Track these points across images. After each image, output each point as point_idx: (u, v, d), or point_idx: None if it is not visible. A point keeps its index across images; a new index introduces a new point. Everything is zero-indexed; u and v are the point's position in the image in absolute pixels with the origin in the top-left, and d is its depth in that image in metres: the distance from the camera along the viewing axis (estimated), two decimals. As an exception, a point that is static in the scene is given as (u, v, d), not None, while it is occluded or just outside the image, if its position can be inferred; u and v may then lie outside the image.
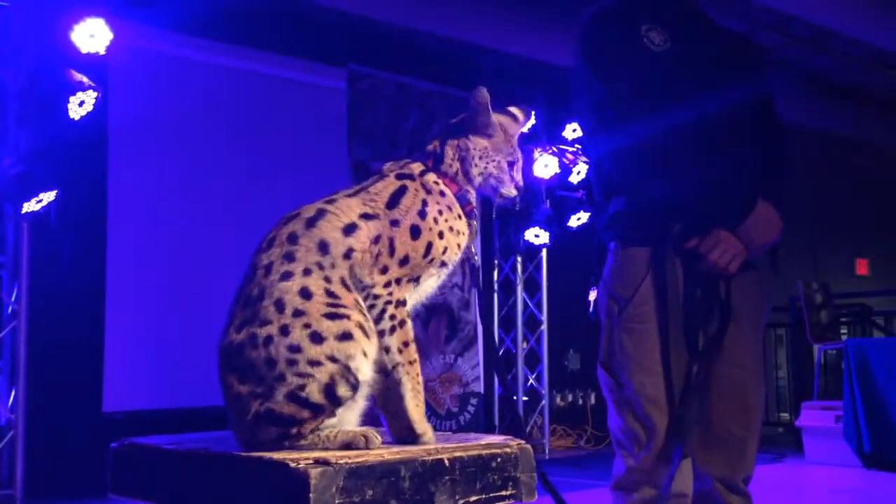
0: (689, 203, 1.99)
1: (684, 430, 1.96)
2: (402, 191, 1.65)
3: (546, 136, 6.64)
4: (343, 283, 1.55)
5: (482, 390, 6.45)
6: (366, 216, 1.61)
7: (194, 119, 5.82)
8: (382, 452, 1.45)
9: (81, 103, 4.41)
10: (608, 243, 2.15)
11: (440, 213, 1.65)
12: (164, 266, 5.61)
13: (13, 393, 4.55)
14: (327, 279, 1.54)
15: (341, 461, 1.36)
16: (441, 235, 1.64)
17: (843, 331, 7.82)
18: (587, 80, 2.08)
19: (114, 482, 1.73)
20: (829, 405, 6.21)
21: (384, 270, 1.59)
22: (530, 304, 7.07)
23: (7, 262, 4.69)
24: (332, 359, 1.48)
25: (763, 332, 2.19)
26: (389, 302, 1.59)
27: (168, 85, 5.70)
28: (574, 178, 6.83)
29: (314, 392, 1.47)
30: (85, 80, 4.41)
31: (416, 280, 1.63)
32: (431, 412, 5.78)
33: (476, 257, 1.79)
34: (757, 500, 2.10)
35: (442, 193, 1.68)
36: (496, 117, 1.76)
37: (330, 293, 1.53)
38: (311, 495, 1.31)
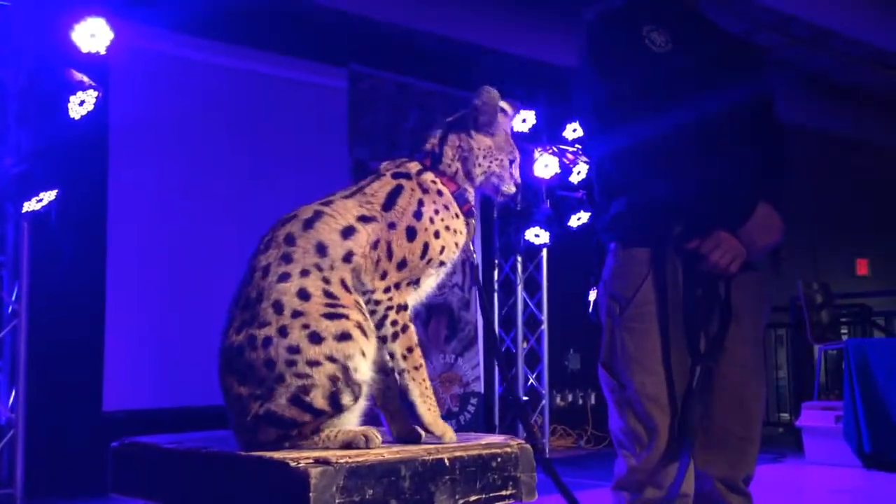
0: (690, 203, 1.99)
1: (689, 431, 1.97)
2: (398, 190, 1.65)
3: (546, 136, 6.63)
4: (343, 284, 1.55)
5: (482, 390, 6.46)
6: (363, 218, 1.61)
7: (195, 119, 5.82)
8: (383, 452, 1.45)
9: (82, 103, 4.41)
10: (608, 244, 2.15)
11: (436, 212, 1.65)
12: (164, 265, 5.61)
13: (13, 392, 4.56)
14: (326, 280, 1.54)
15: (341, 461, 1.36)
16: (437, 235, 1.64)
17: (843, 331, 7.82)
18: (590, 81, 2.09)
19: (114, 481, 1.73)
20: (830, 405, 6.21)
21: (384, 276, 1.59)
22: (530, 303, 7.07)
23: (7, 262, 4.69)
24: (331, 359, 1.48)
25: (763, 333, 2.19)
26: (391, 307, 1.59)
27: (169, 85, 5.70)
28: (574, 178, 6.82)
29: (318, 398, 1.47)
30: (85, 79, 4.41)
31: (416, 282, 1.63)
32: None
33: (475, 255, 1.79)
34: (757, 500, 2.10)
35: (439, 193, 1.68)
36: None
37: (328, 294, 1.53)
38: (311, 494, 1.32)
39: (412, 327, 1.62)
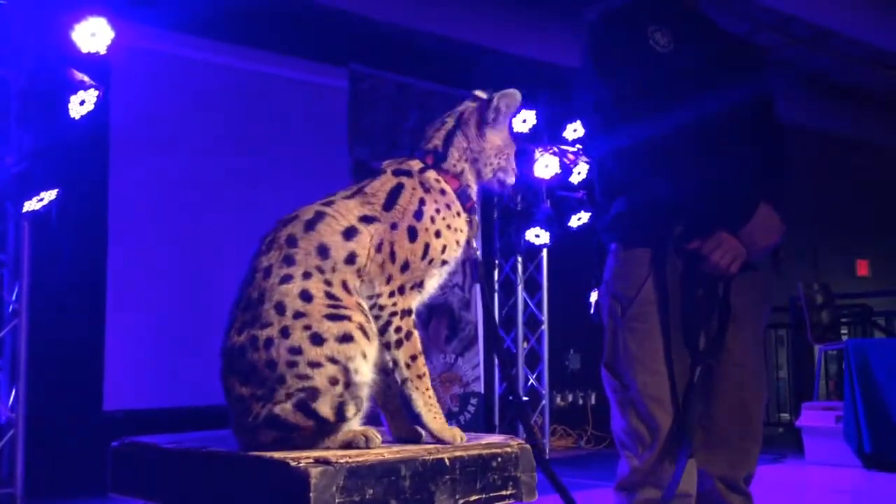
0: (691, 204, 1.99)
1: (688, 430, 1.97)
2: (398, 189, 1.64)
3: (547, 136, 6.63)
4: (344, 286, 1.54)
5: (482, 390, 6.46)
6: (365, 219, 1.60)
7: (195, 118, 5.82)
8: (383, 452, 1.45)
9: (82, 102, 4.40)
10: (609, 244, 2.15)
11: (437, 211, 1.64)
12: (164, 265, 5.61)
13: (13, 391, 4.55)
14: (328, 282, 1.53)
15: (341, 460, 1.36)
16: (438, 234, 1.62)
17: (843, 331, 7.81)
18: (592, 80, 2.09)
19: (114, 481, 1.73)
20: (830, 405, 6.21)
21: (389, 280, 1.58)
22: (531, 304, 7.07)
23: (8, 261, 4.69)
24: (332, 360, 1.48)
25: (764, 333, 2.19)
26: (395, 313, 1.58)
27: (169, 84, 5.70)
28: (575, 179, 6.82)
29: (324, 406, 1.46)
30: (86, 79, 4.41)
31: (420, 285, 1.62)
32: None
33: (477, 252, 1.78)
34: (757, 500, 2.10)
35: (442, 192, 1.67)
36: None
37: (330, 295, 1.52)
38: (311, 494, 1.31)
39: (416, 334, 1.60)
